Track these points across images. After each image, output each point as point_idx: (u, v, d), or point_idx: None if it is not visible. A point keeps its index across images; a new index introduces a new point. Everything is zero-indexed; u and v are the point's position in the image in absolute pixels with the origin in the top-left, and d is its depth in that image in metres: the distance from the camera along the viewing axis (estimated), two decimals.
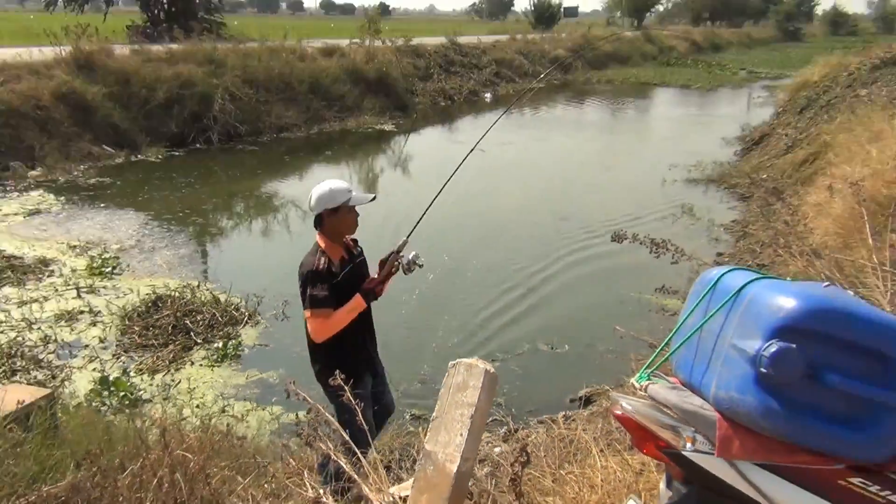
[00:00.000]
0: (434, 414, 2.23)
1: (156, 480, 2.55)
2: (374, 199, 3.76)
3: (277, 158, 15.89)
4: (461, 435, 2.11)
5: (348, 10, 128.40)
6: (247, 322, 7.03)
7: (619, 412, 1.82)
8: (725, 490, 1.60)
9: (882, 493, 1.54)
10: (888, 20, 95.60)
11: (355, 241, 3.92)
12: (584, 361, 6.40)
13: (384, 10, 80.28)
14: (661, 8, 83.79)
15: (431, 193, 4.03)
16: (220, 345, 6.52)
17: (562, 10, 58.23)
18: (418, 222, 3.90)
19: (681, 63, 41.40)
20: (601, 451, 3.21)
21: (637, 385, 1.82)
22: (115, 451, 3.10)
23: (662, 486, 1.86)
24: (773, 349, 1.51)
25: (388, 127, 19.94)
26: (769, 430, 1.56)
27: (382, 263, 3.75)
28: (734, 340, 1.60)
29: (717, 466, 1.59)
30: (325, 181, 3.68)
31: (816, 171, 10.06)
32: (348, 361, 3.54)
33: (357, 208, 3.71)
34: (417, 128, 20.89)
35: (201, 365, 6.23)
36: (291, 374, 6.05)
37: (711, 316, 1.66)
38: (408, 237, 3.84)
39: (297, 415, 5.37)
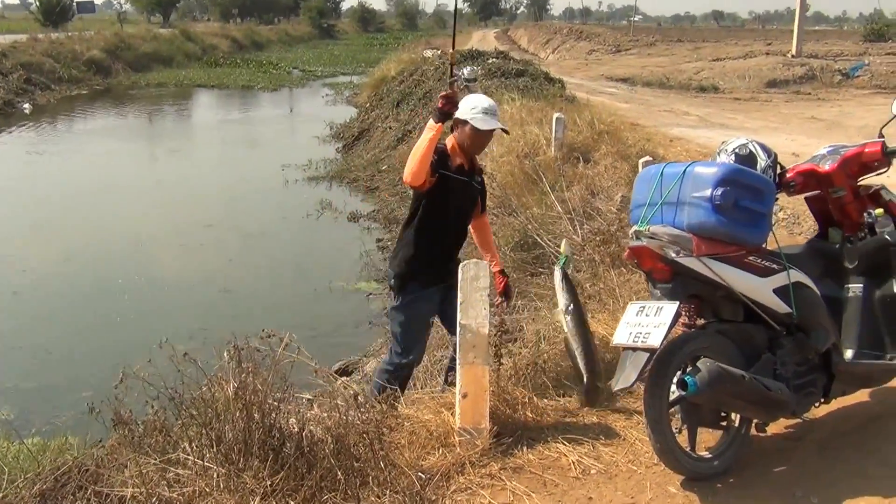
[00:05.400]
0: (460, 299, 3.03)
1: None
2: (501, 129, 3.70)
3: None
4: (484, 309, 3.03)
5: None
6: None
7: (634, 244, 2.88)
8: (696, 275, 2.80)
9: (758, 261, 2.88)
10: (411, 16, 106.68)
11: (482, 173, 3.92)
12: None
13: None
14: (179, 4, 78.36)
15: None
16: None
17: (74, 4, 51.68)
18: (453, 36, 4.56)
19: (229, 63, 38.76)
20: None
21: (642, 229, 2.86)
22: None
23: (650, 287, 2.98)
24: (719, 191, 2.74)
25: None
26: (720, 235, 2.80)
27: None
28: (692, 194, 2.80)
29: (693, 262, 2.77)
30: (481, 96, 3.69)
31: None
32: (416, 263, 3.66)
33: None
34: None
35: None
36: (20, 407, 5.34)
37: (671, 189, 2.87)
38: (453, 49, 4.38)
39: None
